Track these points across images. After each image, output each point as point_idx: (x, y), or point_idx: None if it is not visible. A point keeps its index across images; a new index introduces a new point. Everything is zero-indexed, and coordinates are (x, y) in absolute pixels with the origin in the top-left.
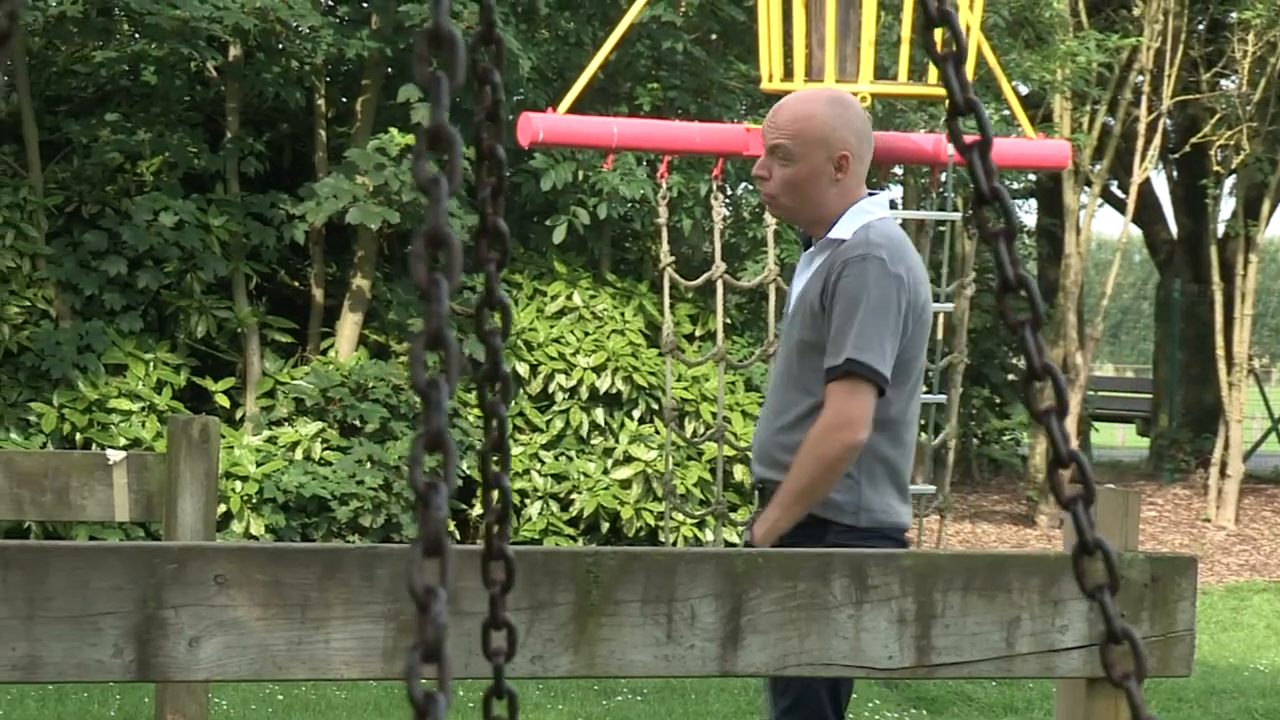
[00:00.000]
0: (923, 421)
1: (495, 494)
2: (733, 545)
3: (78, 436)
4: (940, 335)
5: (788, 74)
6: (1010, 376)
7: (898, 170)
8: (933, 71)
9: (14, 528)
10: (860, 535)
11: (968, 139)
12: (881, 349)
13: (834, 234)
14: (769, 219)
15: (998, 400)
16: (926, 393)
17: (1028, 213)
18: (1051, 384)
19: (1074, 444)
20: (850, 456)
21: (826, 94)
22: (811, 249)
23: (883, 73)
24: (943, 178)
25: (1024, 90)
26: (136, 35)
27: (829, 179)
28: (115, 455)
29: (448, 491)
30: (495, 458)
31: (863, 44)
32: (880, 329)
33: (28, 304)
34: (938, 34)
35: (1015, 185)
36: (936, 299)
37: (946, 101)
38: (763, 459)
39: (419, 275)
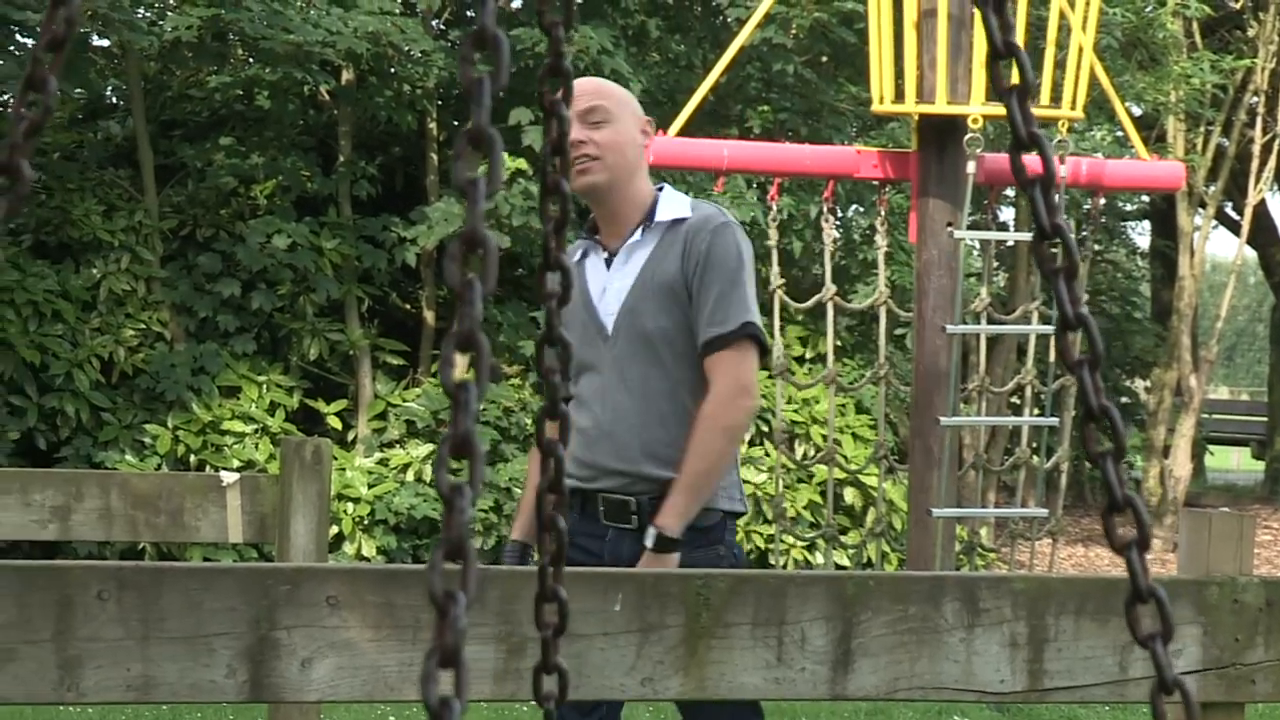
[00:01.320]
0: (1034, 444)
1: (550, 535)
2: (843, 569)
3: (192, 458)
4: (1052, 358)
5: (899, 96)
6: (1124, 399)
7: (1009, 192)
8: (1045, 93)
9: (129, 549)
10: (735, 518)
11: (1030, 173)
12: (757, 311)
13: (665, 215)
14: (880, 240)
15: None
16: (1038, 414)
17: (1141, 234)
18: (1110, 425)
19: (1188, 469)
20: (749, 422)
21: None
22: (636, 238)
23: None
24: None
25: (1137, 111)
26: (251, 60)
27: (639, 147)
28: (229, 477)
29: (473, 496)
30: (552, 498)
31: (974, 65)
32: (753, 292)
33: (143, 326)
34: (1009, 66)
35: (1129, 207)
36: (1046, 321)
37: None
38: (647, 457)
39: (452, 277)
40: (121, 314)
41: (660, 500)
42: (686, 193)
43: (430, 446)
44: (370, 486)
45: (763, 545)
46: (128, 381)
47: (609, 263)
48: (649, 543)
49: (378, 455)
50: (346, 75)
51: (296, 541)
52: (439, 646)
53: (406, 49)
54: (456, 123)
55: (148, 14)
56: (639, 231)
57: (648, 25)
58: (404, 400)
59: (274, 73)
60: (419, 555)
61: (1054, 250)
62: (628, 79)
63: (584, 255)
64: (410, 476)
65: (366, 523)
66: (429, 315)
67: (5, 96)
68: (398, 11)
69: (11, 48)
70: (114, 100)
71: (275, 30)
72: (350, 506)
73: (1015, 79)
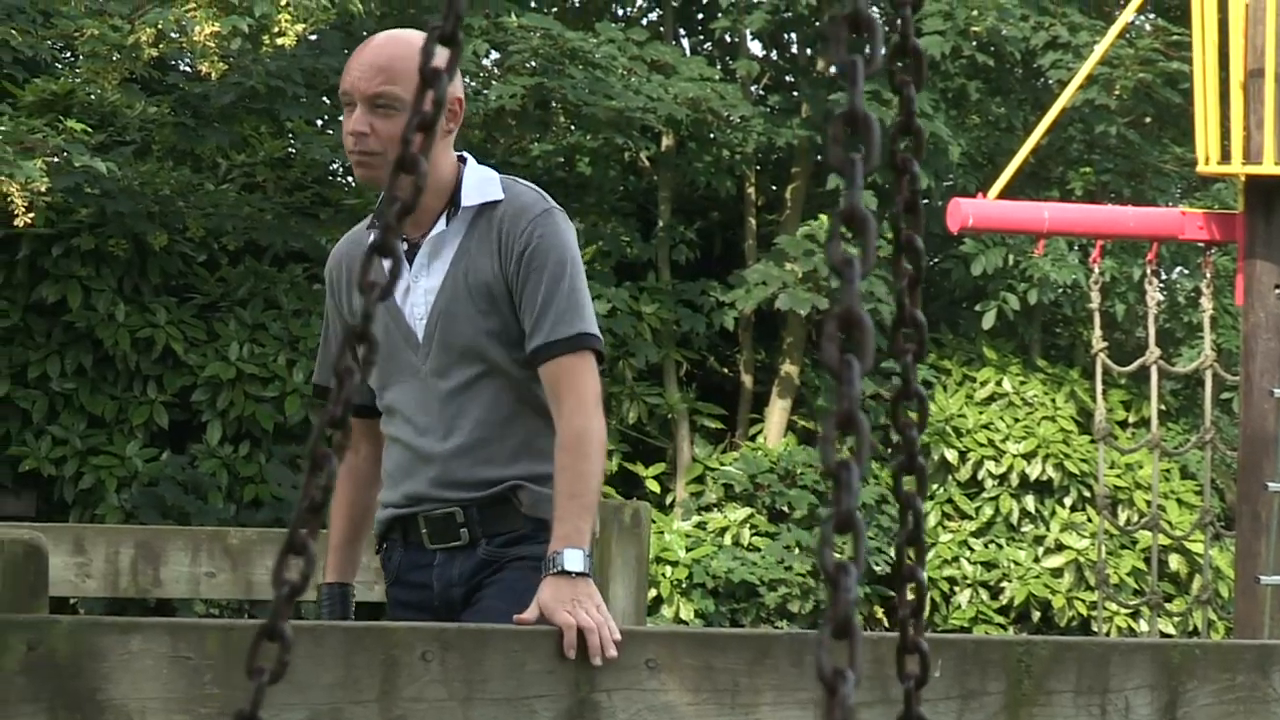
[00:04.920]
0: None
1: (910, 586)
2: (1168, 637)
3: None
4: None
5: (1225, 156)
6: None
7: None
8: None
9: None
10: (548, 529)
11: None
12: (592, 313)
13: (473, 199)
14: (1205, 303)
15: None
16: None
17: None
18: None
19: None
20: (604, 433)
21: (419, 33)
22: (441, 228)
23: None
24: None
25: None
26: (572, 127)
27: (442, 131)
28: None
29: (858, 574)
30: (911, 550)
31: None
32: (584, 288)
33: None
34: None
35: None
36: None
37: None
38: (478, 465)
39: (831, 357)
40: None
41: (492, 508)
42: (1006, 256)
43: (747, 510)
44: (688, 550)
45: (1085, 612)
46: None
47: (411, 257)
48: (562, 565)
49: (695, 519)
50: (666, 141)
51: (615, 604)
52: None
53: (726, 114)
54: (775, 187)
55: (473, 83)
56: (443, 220)
57: (968, 88)
58: (722, 464)
59: (595, 139)
60: (736, 619)
61: None
62: (947, 142)
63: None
64: (728, 540)
65: (684, 586)
66: (747, 379)
67: (334, 166)
68: (717, 78)
69: (341, 117)
70: None
71: (598, 97)
72: (668, 569)
73: None
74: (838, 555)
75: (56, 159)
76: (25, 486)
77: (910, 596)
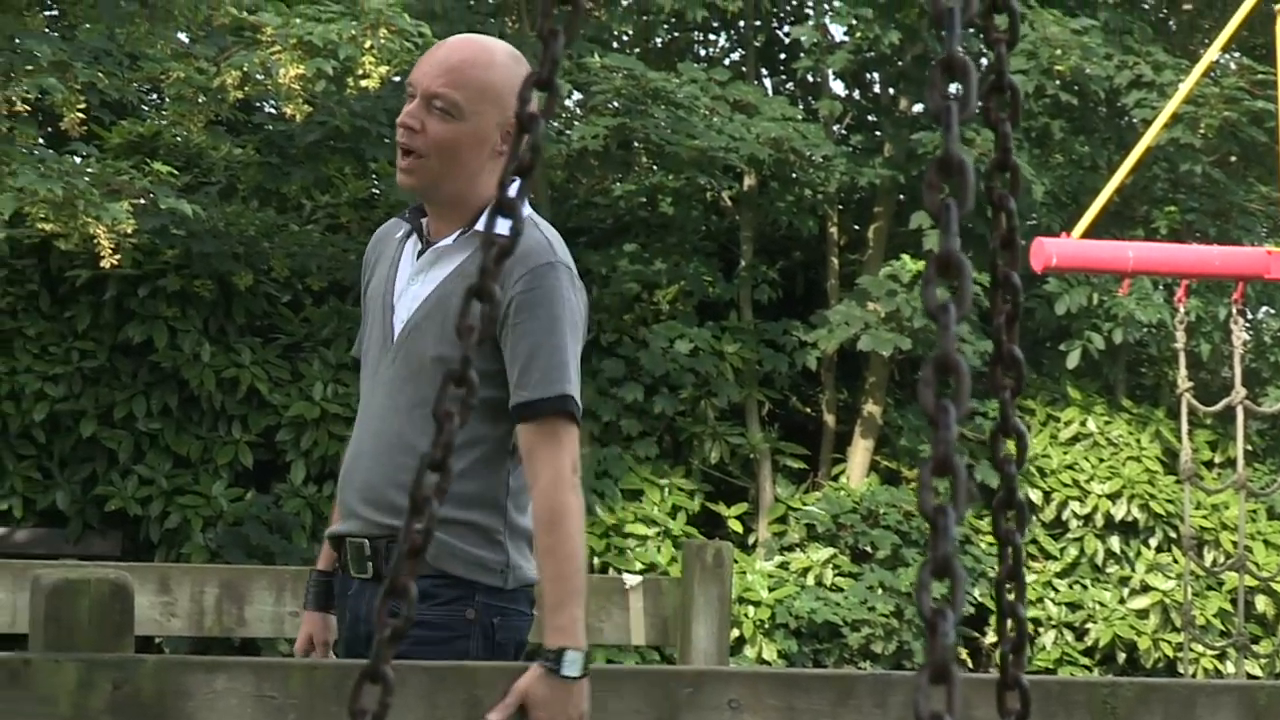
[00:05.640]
0: None
1: (1010, 622)
2: (1255, 678)
3: (595, 560)
4: None
5: None
6: None
7: None
8: None
9: (534, 649)
10: (508, 597)
11: None
12: (578, 379)
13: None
14: None
15: None
16: None
17: None
18: None
19: None
20: (581, 501)
21: (504, 45)
22: (447, 241)
23: None
24: None
25: None
26: (655, 167)
27: (492, 151)
28: (632, 580)
29: (955, 618)
30: (1010, 586)
31: None
32: (576, 355)
33: None
34: None
35: None
36: None
37: None
38: (380, 504)
39: (927, 401)
40: None
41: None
42: (1090, 295)
43: (830, 550)
44: (771, 590)
45: (1171, 654)
46: None
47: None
48: (559, 670)
49: (778, 559)
50: (748, 180)
51: (698, 644)
52: None
53: (808, 154)
54: (857, 226)
55: (555, 124)
56: (454, 235)
57: (1051, 127)
58: (804, 504)
59: (677, 179)
60: (819, 659)
61: None
62: (1031, 181)
63: (408, 235)
64: (811, 580)
65: (767, 626)
66: (829, 419)
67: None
68: (799, 117)
69: None
70: None
71: (680, 137)
72: (751, 610)
73: None
74: (935, 600)
75: (143, 201)
76: (111, 526)
77: (1010, 633)
